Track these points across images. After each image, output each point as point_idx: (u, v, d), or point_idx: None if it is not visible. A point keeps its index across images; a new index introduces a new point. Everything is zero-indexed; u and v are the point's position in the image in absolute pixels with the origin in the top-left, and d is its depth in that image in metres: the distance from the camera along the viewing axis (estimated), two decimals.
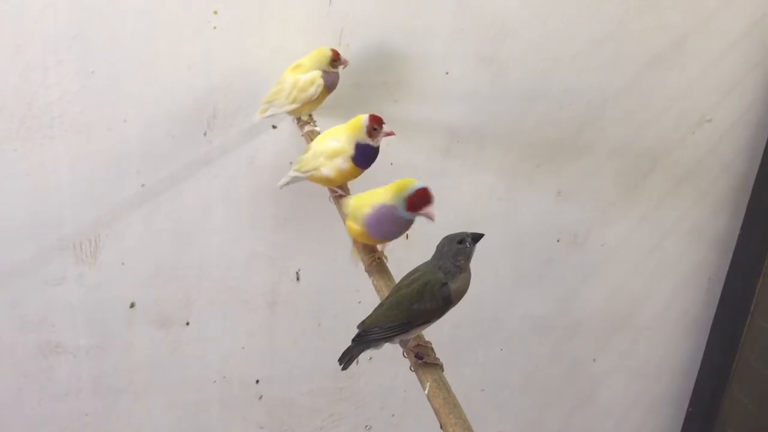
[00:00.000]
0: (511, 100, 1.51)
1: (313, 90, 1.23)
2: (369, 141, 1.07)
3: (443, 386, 0.83)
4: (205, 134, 1.37)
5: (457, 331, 1.68)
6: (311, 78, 1.23)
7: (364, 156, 1.08)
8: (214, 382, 1.59)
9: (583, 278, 1.74)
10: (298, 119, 1.34)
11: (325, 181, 1.12)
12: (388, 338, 0.86)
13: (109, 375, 1.52)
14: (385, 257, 1.07)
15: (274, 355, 1.61)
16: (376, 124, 1.07)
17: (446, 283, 0.84)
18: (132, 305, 1.48)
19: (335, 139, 1.09)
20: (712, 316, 1.86)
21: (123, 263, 1.43)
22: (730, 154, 1.69)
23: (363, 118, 1.07)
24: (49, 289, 1.41)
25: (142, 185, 1.38)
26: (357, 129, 1.07)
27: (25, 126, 1.28)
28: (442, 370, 0.86)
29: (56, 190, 1.34)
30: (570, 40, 1.48)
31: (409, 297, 0.84)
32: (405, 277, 0.89)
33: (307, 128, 1.31)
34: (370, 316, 0.87)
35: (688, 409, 1.96)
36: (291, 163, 1.22)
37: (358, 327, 0.87)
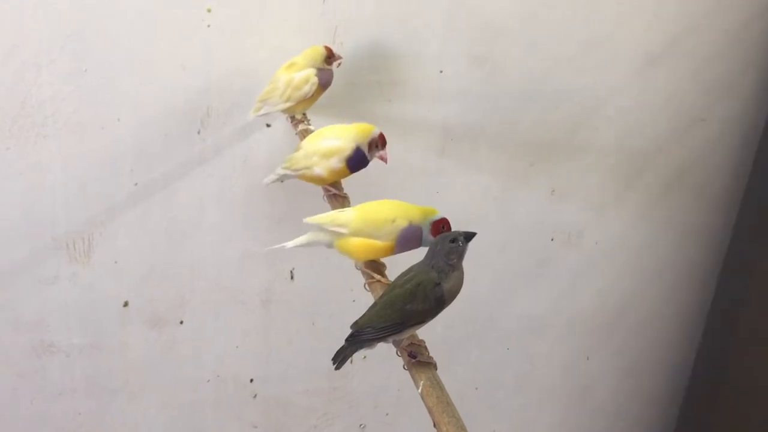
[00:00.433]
0: (505, 99, 1.51)
1: (308, 88, 1.24)
2: (367, 152, 1.09)
3: (437, 385, 0.83)
4: (198, 133, 1.37)
5: (451, 329, 1.68)
6: (306, 76, 1.23)
7: (358, 162, 1.10)
8: (209, 381, 1.59)
9: (577, 277, 1.74)
10: (292, 118, 1.34)
11: (316, 179, 1.13)
12: (381, 338, 0.86)
13: (103, 374, 1.52)
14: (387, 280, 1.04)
15: (269, 355, 1.61)
16: (380, 142, 1.10)
17: (439, 283, 0.84)
18: (126, 304, 1.47)
19: (334, 138, 1.10)
20: (706, 314, 1.87)
21: (116, 262, 1.43)
22: (724, 153, 1.69)
23: (374, 129, 1.10)
24: (43, 288, 1.41)
25: (136, 184, 1.38)
26: (363, 135, 1.09)
27: (18, 125, 1.28)
28: (436, 369, 0.86)
29: (49, 189, 1.34)
30: (564, 40, 1.48)
31: (402, 297, 0.84)
32: (399, 276, 0.89)
33: (300, 126, 1.31)
34: (364, 316, 0.87)
35: (682, 406, 1.97)
36: None
37: (352, 327, 0.87)
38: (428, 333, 0.93)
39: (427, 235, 0.96)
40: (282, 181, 1.19)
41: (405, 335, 0.87)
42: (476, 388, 1.79)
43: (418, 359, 0.86)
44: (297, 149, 1.15)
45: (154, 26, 1.28)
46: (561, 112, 1.55)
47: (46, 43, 1.24)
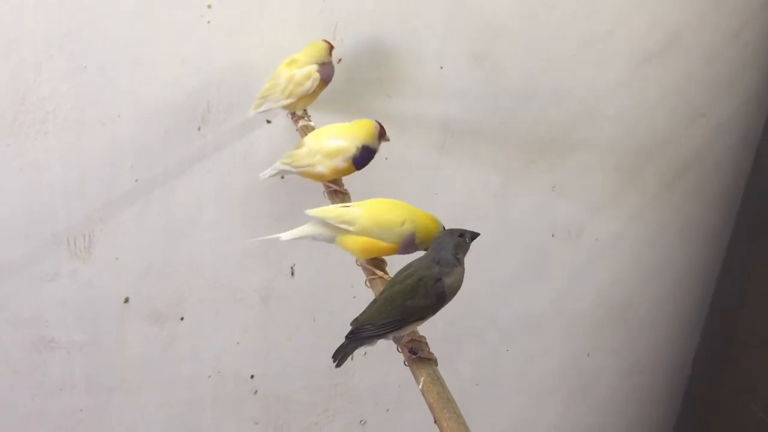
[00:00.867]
0: (505, 96, 1.51)
1: (310, 84, 1.23)
2: (376, 145, 1.11)
3: (437, 381, 0.83)
4: (199, 129, 1.37)
5: (452, 326, 1.68)
6: (307, 72, 1.23)
7: (365, 158, 1.11)
8: (209, 377, 1.59)
9: (578, 273, 1.74)
10: (293, 114, 1.34)
11: (318, 177, 1.12)
12: (382, 335, 0.86)
13: (103, 371, 1.52)
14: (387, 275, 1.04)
15: (269, 351, 1.61)
16: (382, 132, 1.12)
17: (440, 279, 0.84)
18: (126, 300, 1.47)
19: (336, 138, 1.10)
20: (706, 311, 1.87)
21: (117, 258, 1.43)
22: (724, 150, 1.69)
23: (374, 124, 1.11)
24: (43, 284, 1.41)
25: (136, 180, 1.38)
26: (366, 132, 1.10)
27: (18, 121, 1.28)
28: (437, 365, 0.86)
29: (50, 185, 1.34)
30: (564, 38, 1.48)
31: (402, 293, 0.84)
32: (399, 272, 0.89)
33: (301, 123, 1.31)
34: (364, 313, 0.87)
35: (681, 404, 1.97)
36: None
37: (352, 324, 0.87)
38: (429, 329, 0.93)
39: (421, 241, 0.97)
40: (282, 177, 1.18)
41: (405, 332, 0.87)
42: (477, 385, 1.79)
43: (418, 355, 0.86)
44: (299, 146, 1.14)
45: (154, 23, 1.28)
46: (561, 110, 1.55)
47: (45, 39, 1.24)
